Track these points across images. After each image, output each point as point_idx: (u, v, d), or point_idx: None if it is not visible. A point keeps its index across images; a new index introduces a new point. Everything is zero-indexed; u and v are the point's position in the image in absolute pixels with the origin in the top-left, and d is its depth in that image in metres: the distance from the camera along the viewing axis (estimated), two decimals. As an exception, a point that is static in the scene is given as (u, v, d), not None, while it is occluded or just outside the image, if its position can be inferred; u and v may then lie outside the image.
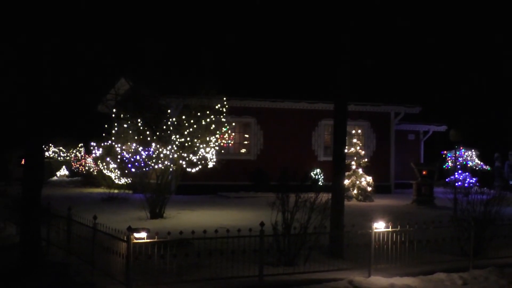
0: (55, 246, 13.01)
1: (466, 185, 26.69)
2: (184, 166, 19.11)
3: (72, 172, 36.25)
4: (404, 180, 29.05)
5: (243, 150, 27.83)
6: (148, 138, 18.31)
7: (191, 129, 18.63)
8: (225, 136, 20.08)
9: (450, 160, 33.04)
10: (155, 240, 10.41)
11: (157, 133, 18.36)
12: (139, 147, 18.41)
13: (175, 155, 18.62)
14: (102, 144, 21.28)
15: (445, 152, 33.70)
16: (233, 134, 24.98)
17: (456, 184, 22.07)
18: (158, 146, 18.33)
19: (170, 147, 18.41)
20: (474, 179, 28.62)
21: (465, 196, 14.06)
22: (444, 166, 33.01)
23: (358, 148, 25.25)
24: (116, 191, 23.57)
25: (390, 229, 12.16)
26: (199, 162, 19.18)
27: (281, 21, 38.73)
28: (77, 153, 36.10)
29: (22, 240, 11.80)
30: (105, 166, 23.11)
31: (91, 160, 31.50)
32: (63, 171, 37.17)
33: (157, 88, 19.52)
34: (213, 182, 25.74)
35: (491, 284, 11.51)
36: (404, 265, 12.09)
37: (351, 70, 14.27)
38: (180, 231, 11.24)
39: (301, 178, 12.80)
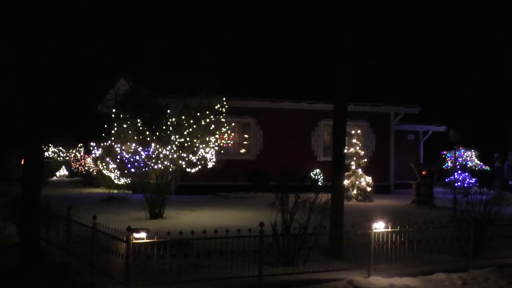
0: (54, 246, 13.01)
1: (465, 185, 26.69)
2: (184, 166, 19.11)
3: (72, 172, 36.25)
4: (403, 180, 29.04)
5: (242, 150, 27.84)
6: (148, 138, 18.31)
7: (190, 129, 18.63)
8: (224, 136, 20.07)
9: (449, 160, 33.04)
10: (155, 240, 10.41)
11: (157, 133, 18.37)
12: (138, 147, 18.41)
13: (175, 155, 18.62)
14: (102, 144, 21.28)
15: (444, 152, 33.70)
16: (233, 134, 24.98)
17: (456, 184, 22.07)
18: (157, 146, 18.33)
19: (169, 147, 18.41)
20: (474, 179, 28.62)
21: (464, 196, 14.05)
22: (443, 166, 33.01)
23: (357, 148, 25.25)
24: (115, 191, 23.57)
25: (389, 229, 12.16)
26: (198, 162, 19.18)
27: (281, 21, 38.75)
28: (77, 153, 36.09)
29: (22, 240, 11.80)
30: (105, 166, 23.12)
31: (90, 160, 31.50)
32: (63, 171, 37.18)
33: (156, 88, 19.52)
34: (212, 182, 25.75)
35: (490, 284, 11.51)
36: (403, 265, 12.09)
37: (351, 70, 14.28)
38: (179, 231, 11.23)
39: (301, 178, 12.80)
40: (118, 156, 18.96)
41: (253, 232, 11.08)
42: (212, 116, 19.07)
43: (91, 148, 23.23)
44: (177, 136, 18.53)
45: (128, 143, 18.78)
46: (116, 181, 24.05)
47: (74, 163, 35.81)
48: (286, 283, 10.92)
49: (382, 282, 11.19)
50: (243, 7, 37.76)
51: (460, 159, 32.31)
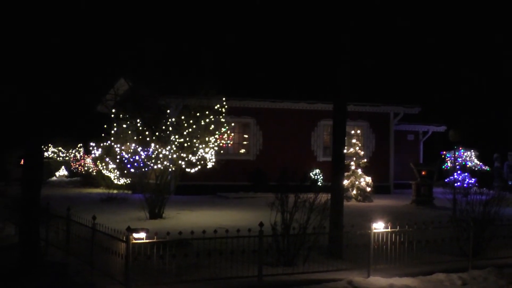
0: (54, 246, 13.01)
1: (465, 185, 26.68)
2: (184, 166, 19.11)
3: (71, 172, 36.23)
4: (403, 180, 29.04)
5: (242, 151, 27.83)
6: (147, 138, 18.31)
7: (190, 129, 18.63)
8: (224, 137, 20.07)
9: (449, 160, 33.04)
10: (154, 240, 10.42)
11: (157, 133, 18.37)
12: (138, 147, 18.41)
13: (174, 155, 18.62)
14: (101, 144, 21.28)
15: (444, 152, 33.70)
16: (232, 134, 24.97)
17: (455, 184, 22.07)
18: (157, 146, 18.33)
19: (169, 147, 18.41)
20: (473, 179, 28.61)
21: (464, 197, 14.06)
22: (443, 167, 33.01)
23: (357, 148, 25.25)
24: (115, 191, 23.56)
25: (389, 230, 12.16)
26: (198, 163, 19.18)
27: (281, 21, 38.74)
28: (76, 153, 36.06)
29: (21, 240, 11.79)
30: (104, 166, 23.12)
31: (90, 160, 31.49)
32: (62, 171, 37.15)
33: (156, 88, 19.52)
34: (212, 182, 25.74)
35: (490, 284, 11.52)
36: (403, 265, 12.10)
37: (351, 70, 14.28)
38: (179, 232, 11.24)
39: (300, 178, 12.82)
40: (118, 156, 18.96)
41: (253, 232, 11.09)
42: (211, 116, 19.07)
43: (91, 148, 23.24)
44: (176, 136, 18.53)
45: (128, 143, 18.78)
46: (115, 181, 24.05)
47: (73, 163, 35.80)
48: (285, 283, 10.92)
49: (382, 282, 11.19)
50: (243, 7, 37.76)
51: (459, 159, 32.30)
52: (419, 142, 32.71)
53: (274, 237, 11.80)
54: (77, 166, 35.19)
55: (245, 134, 27.84)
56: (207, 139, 19.00)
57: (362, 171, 24.91)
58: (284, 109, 28.18)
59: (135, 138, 18.57)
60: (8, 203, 15.63)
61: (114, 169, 21.86)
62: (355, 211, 19.30)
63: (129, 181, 23.43)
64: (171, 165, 18.97)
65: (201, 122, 18.81)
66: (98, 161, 24.31)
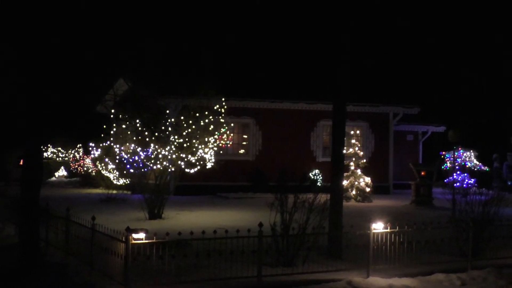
0: (53, 247, 13.01)
1: (464, 185, 26.69)
2: (183, 166, 19.11)
3: (71, 173, 36.22)
4: (402, 180, 29.06)
5: (241, 151, 27.83)
6: (147, 139, 18.31)
7: (189, 130, 18.63)
8: (223, 137, 20.09)
9: (448, 160, 33.03)
10: (154, 240, 10.42)
11: (156, 134, 18.37)
12: (137, 147, 18.41)
13: (174, 156, 18.63)
14: (101, 145, 21.29)
15: (443, 152, 33.69)
16: (232, 134, 24.98)
17: (455, 184, 22.08)
18: (156, 146, 18.34)
19: (168, 147, 18.41)
20: (473, 179, 28.62)
21: (463, 197, 14.07)
22: (442, 167, 33.01)
23: (356, 148, 25.26)
24: (114, 191, 23.54)
25: (388, 230, 12.17)
26: (197, 163, 19.19)
27: (281, 21, 38.73)
28: (76, 153, 36.07)
29: (21, 240, 11.80)
30: (104, 167, 23.11)
31: (89, 161, 31.49)
32: (62, 172, 37.14)
33: (156, 88, 19.52)
34: (211, 182, 25.74)
35: (489, 284, 11.53)
36: (402, 265, 12.10)
37: (350, 70, 14.28)
38: (178, 232, 11.24)
39: (300, 178, 12.83)
40: (117, 157, 18.97)
41: (252, 232, 11.09)
42: (211, 117, 19.08)
43: (90, 148, 23.23)
44: (176, 137, 18.53)
45: (127, 144, 18.79)
46: (115, 182, 24.02)
47: (73, 164, 35.80)
48: (285, 283, 10.93)
49: (381, 282, 11.20)
50: (243, 7, 37.76)
51: (459, 160, 32.31)
52: (419, 142, 32.72)
53: (273, 238, 11.81)
54: (76, 166, 35.19)
55: (245, 135, 27.84)
56: (206, 139, 19.00)
57: (362, 172, 24.92)
58: (284, 110, 28.19)
59: (134, 138, 18.58)
60: (8, 203, 15.63)
61: (113, 169, 21.85)
62: (354, 211, 19.31)
63: (128, 182, 23.41)
64: (170, 166, 18.97)
65: (201, 122, 18.82)
66: (98, 162, 24.30)
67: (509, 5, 38.70)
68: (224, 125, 20.10)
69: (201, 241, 10.96)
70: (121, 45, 28.58)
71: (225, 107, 20.08)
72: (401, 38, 41.13)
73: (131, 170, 18.68)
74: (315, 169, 27.08)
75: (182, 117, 18.89)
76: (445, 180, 30.71)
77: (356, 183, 24.56)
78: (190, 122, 18.67)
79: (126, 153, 18.59)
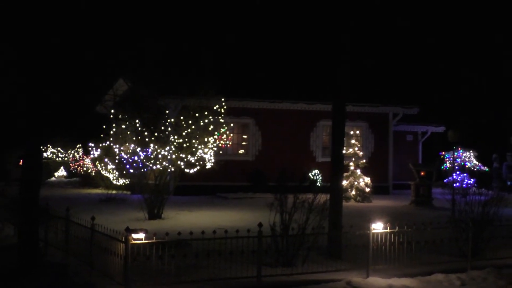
0: (53, 247, 13.01)
1: (464, 186, 26.69)
2: (183, 166, 19.11)
3: (70, 173, 36.22)
4: (402, 181, 29.06)
5: (241, 151, 27.84)
6: (146, 139, 18.32)
7: (189, 130, 18.64)
8: (223, 137, 20.09)
9: (448, 161, 33.01)
10: (153, 241, 10.43)
11: (156, 134, 18.37)
12: (137, 147, 18.41)
13: (173, 156, 18.63)
14: (100, 145, 21.27)
15: (443, 153, 33.67)
16: (232, 134, 24.98)
17: (454, 185, 22.09)
18: (156, 146, 18.34)
19: (168, 147, 18.41)
20: (472, 180, 28.62)
21: (463, 197, 14.07)
22: (442, 167, 33.00)
23: (356, 149, 25.27)
24: (114, 192, 23.55)
25: (388, 230, 12.18)
26: (197, 163, 19.19)
27: (281, 22, 38.73)
28: (75, 153, 36.06)
29: (21, 240, 11.79)
30: (103, 167, 23.10)
31: (89, 161, 31.46)
32: (61, 172, 37.14)
33: (155, 88, 19.52)
34: (211, 182, 25.74)
35: (489, 285, 11.53)
36: (402, 266, 12.11)
37: (350, 70, 14.28)
38: (178, 232, 11.24)
39: (299, 179, 12.82)
40: (117, 157, 18.96)
41: (252, 232, 11.09)
42: (211, 117, 19.08)
43: (90, 148, 23.21)
44: (175, 137, 18.53)
45: (127, 144, 18.79)
46: (114, 182, 24.01)
47: (72, 164, 35.78)
48: (284, 283, 10.94)
49: (381, 282, 11.21)
50: (243, 7, 37.76)
51: (458, 160, 32.30)
52: (418, 142, 32.73)
53: (273, 238, 11.81)
54: (76, 166, 35.18)
55: (244, 135, 27.85)
56: (206, 139, 19.01)
57: (361, 172, 24.93)
58: (283, 110, 28.19)
59: (134, 138, 18.58)
60: (7, 203, 15.61)
61: (113, 169, 21.84)
62: (354, 211, 19.31)
63: (128, 182, 23.39)
64: (170, 166, 18.97)
65: (200, 122, 18.82)
66: (97, 162, 24.29)
67: (509, 5, 38.72)
68: (224, 125, 20.10)
69: (200, 241, 10.97)
70: (121, 45, 28.59)
71: (225, 107, 20.08)
72: (401, 38, 41.14)
73: (131, 170, 18.68)
74: (315, 169, 27.09)
75: (181, 117, 18.90)
76: (445, 180, 30.70)
77: (356, 183, 24.56)
78: (190, 122, 18.67)
79: (126, 153, 18.59)
